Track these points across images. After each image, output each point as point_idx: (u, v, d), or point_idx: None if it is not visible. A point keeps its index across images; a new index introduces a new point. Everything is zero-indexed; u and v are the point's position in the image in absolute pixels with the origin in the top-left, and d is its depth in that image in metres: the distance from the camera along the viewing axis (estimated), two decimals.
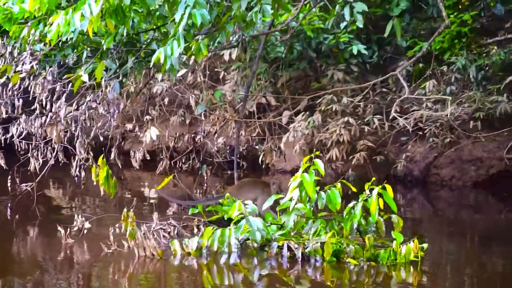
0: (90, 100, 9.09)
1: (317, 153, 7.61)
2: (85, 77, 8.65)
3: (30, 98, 9.24)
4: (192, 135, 12.48)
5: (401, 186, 12.69)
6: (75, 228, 8.33)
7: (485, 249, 8.48)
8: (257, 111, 13.87)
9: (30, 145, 9.63)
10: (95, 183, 8.40)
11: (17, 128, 9.05)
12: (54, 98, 9.05)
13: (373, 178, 7.62)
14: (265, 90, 13.58)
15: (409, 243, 7.15)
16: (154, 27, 9.46)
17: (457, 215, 11.06)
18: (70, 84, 9.13)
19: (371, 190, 7.35)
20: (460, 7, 13.54)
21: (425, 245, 7.25)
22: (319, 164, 7.34)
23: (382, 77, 11.29)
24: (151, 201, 11.71)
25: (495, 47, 12.85)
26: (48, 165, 9.39)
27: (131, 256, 7.44)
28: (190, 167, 13.14)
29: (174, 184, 13.23)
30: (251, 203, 7.49)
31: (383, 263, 7.13)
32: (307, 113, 13.12)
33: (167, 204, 10.31)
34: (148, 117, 13.45)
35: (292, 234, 7.63)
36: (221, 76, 14.36)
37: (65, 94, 8.88)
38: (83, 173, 9.15)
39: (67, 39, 8.49)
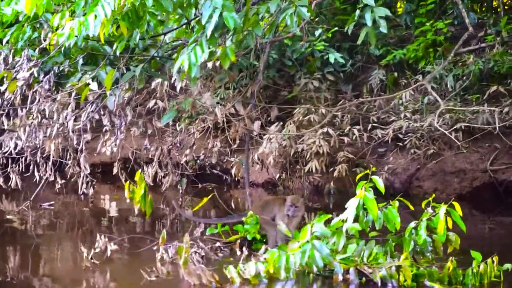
0: (93, 111, 8.30)
1: None
2: (93, 86, 7.89)
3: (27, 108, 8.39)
4: (169, 147, 11.68)
5: (382, 199, 12.20)
6: (97, 250, 7.39)
7: None
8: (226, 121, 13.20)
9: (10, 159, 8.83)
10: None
11: (15, 142, 8.14)
12: (54, 108, 8.23)
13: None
14: (233, 99, 12.94)
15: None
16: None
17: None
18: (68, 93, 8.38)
19: (433, 207, 6.89)
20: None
21: (508, 265, 6.79)
22: (378, 181, 6.83)
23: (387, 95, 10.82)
24: (111, 214, 11.06)
25: (471, 56, 12.67)
26: (44, 180, 8.59)
27: (178, 285, 6.65)
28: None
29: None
30: (321, 225, 6.80)
31: (470, 284, 6.62)
32: (280, 123, 12.59)
33: (126, 219, 9.86)
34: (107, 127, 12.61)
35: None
36: (183, 85, 13.60)
37: (70, 104, 8.06)
38: (91, 190, 8.34)
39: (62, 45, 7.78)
